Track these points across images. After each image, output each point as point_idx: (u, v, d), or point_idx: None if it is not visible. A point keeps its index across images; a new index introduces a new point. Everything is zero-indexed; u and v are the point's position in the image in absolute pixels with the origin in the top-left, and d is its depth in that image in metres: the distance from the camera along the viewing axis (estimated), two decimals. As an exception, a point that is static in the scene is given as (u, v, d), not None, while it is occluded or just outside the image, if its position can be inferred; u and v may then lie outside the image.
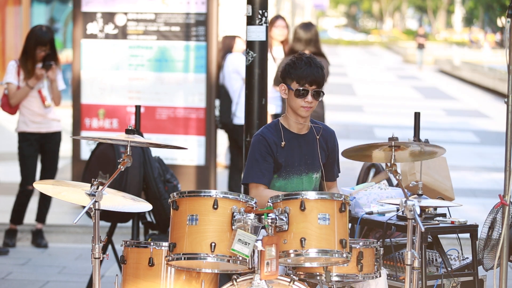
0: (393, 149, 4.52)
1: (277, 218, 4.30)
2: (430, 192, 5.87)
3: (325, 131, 5.03)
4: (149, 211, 6.61)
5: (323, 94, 4.90)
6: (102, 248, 4.43)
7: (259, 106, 6.14)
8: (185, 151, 9.19)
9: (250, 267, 4.33)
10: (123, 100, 9.41)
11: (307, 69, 4.81)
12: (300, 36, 8.85)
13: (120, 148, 6.50)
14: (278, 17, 9.36)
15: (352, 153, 4.67)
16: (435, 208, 5.51)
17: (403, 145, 4.56)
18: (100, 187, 4.40)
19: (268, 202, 4.40)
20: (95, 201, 4.37)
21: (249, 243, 4.23)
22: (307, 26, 9.04)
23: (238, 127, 9.04)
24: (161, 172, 6.70)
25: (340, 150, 5.09)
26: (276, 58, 9.06)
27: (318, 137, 4.97)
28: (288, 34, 9.31)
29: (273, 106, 9.02)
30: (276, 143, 4.89)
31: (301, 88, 4.81)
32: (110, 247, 6.56)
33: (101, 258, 4.43)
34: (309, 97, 4.82)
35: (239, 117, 9.11)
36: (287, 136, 4.93)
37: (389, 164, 4.53)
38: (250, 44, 6.14)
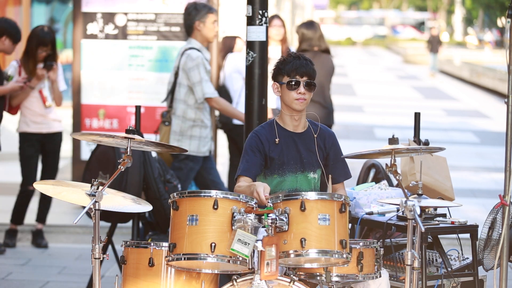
0: (393, 152, 4.53)
1: (277, 219, 4.30)
2: (430, 192, 5.87)
3: (323, 131, 5.03)
4: (149, 211, 6.61)
5: (315, 86, 4.92)
6: (102, 248, 4.43)
7: (259, 106, 6.14)
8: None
9: (250, 267, 4.33)
10: (123, 101, 9.41)
11: (296, 61, 4.88)
12: (305, 36, 8.86)
13: (120, 148, 6.50)
14: (274, 16, 9.37)
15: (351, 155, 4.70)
16: (435, 208, 5.51)
17: (403, 152, 4.58)
18: (100, 187, 4.40)
19: (268, 202, 4.41)
20: (95, 201, 4.37)
21: (249, 243, 4.23)
22: (311, 24, 9.05)
23: (237, 127, 9.04)
24: (161, 172, 6.70)
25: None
26: (272, 58, 9.06)
27: (315, 135, 4.98)
28: (286, 33, 9.30)
29: (273, 101, 9.02)
30: (268, 139, 4.92)
31: (292, 80, 4.85)
32: (110, 247, 6.57)
33: (101, 259, 4.43)
34: (302, 88, 4.86)
35: (239, 117, 9.10)
36: (282, 133, 4.95)
37: (389, 164, 4.53)
38: (250, 44, 6.14)
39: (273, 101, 8.86)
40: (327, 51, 8.86)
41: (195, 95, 7.35)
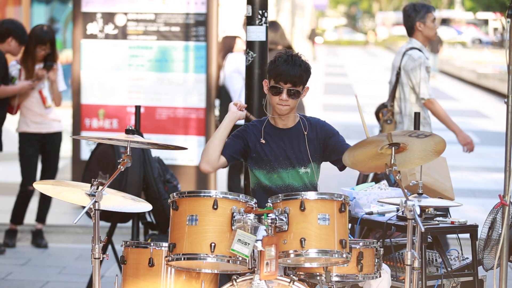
0: (393, 150, 4.52)
1: (277, 218, 4.30)
2: (430, 192, 5.87)
3: (313, 124, 5.00)
4: (149, 211, 6.61)
5: (300, 93, 4.87)
6: (102, 248, 4.44)
7: (259, 106, 6.14)
8: (185, 151, 9.19)
9: (250, 267, 4.33)
10: (123, 101, 9.41)
11: (283, 66, 4.81)
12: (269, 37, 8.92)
13: (120, 148, 6.51)
14: None
15: (353, 158, 4.63)
16: (435, 208, 5.51)
17: (401, 143, 4.54)
18: (100, 187, 4.40)
19: (268, 202, 4.41)
20: (95, 201, 4.37)
21: (248, 243, 4.23)
22: (272, 24, 9.11)
23: (237, 127, 9.04)
24: (161, 172, 6.70)
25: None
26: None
27: (306, 132, 4.96)
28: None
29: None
30: (256, 134, 4.94)
31: (275, 86, 4.84)
32: (110, 247, 6.57)
33: (101, 258, 4.43)
34: (284, 95, 4.83)
35: (239, 117, 9.10)
36: (271, 131, 4.94)
37: (389, 164, 4.52)
38: (250, 44, 6.14)
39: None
40: (289, 48, 8.96)
41: (417, 94, 7.44)
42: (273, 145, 4.93)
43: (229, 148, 4.95)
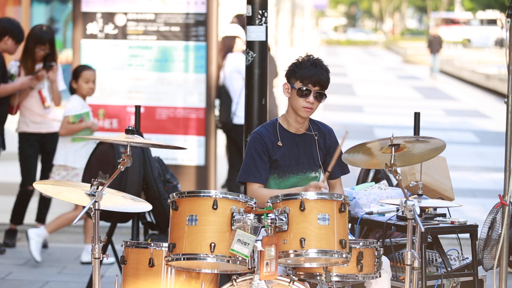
0: (392, 150, 4.52)
1: (277, 218, 4.30)
2: (430, 192, 5.87)
3: (323, 130, 5.06)
4: (149, 211, 6.61)
5: (325, 97, 4.94)
6: (102, 248, 4.44)
7: (259, 106, 6.15)
8: (185, 151, 9.19)
9: (250, 267, 4.33)
10: (123, 100, 9.41)
11: (312, 69, 4.85)
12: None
13: (120, 148, 6.51)
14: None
15: (352, 157, 4.67)
16: (435, 208, 5.51)
17: (401, 143, 4.55)
18: (100, 187, 4.40)
19: (268, 202, 4.41)
20: (95, 201, 4.37)
21: (248, 243, 4.23)
22: None
23: (238, 127, 9.04)
24: (161, 172, 6.70)
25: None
26: None
27: (316, 137, 5.00)
28: None
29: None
30: (272, 141, 4.92)
31: (304, 88, 4.84)
32: (110, 247, 6.57)
33: (101, 258, 4.43)
34: (311, 98, 4.86)
35: (239, 117, 9.11)
36: (284, 135, 4.95)
37: (388, 164, 4.53)
38: (250, 44, 6.14)
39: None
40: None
41: None
42: (288, 151, 4.96)
43: (265, 171, 4.91)
